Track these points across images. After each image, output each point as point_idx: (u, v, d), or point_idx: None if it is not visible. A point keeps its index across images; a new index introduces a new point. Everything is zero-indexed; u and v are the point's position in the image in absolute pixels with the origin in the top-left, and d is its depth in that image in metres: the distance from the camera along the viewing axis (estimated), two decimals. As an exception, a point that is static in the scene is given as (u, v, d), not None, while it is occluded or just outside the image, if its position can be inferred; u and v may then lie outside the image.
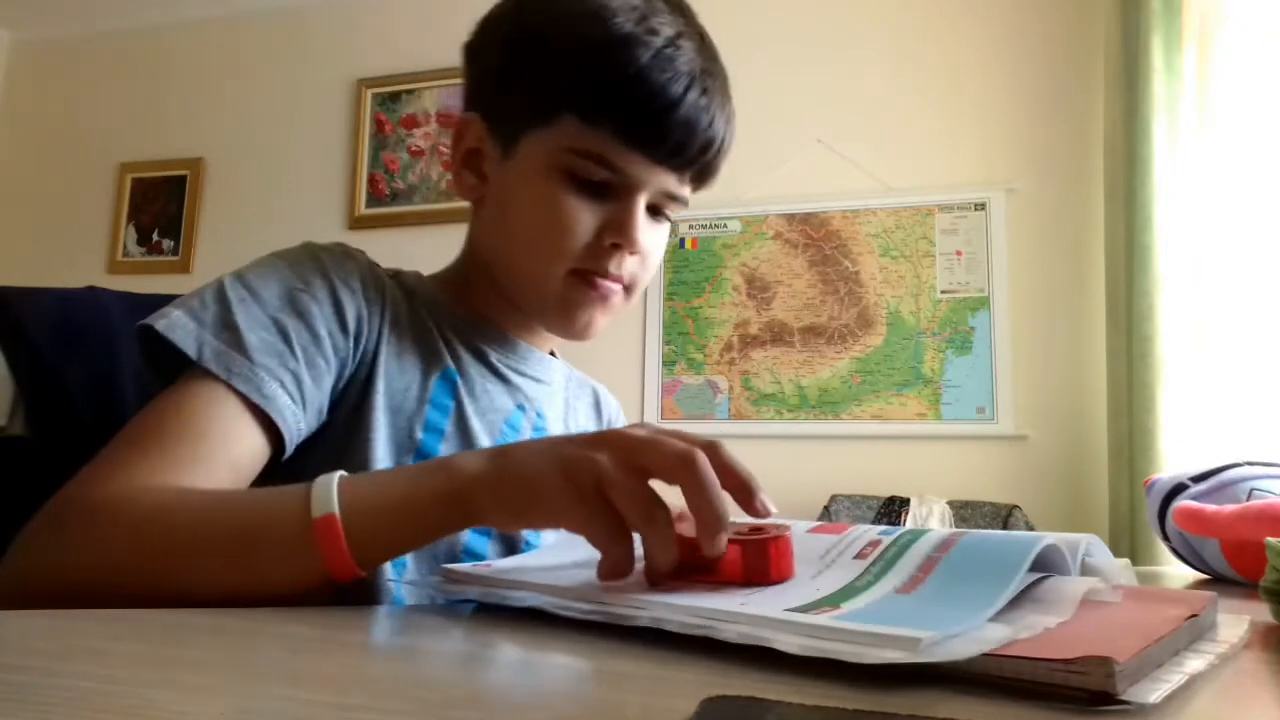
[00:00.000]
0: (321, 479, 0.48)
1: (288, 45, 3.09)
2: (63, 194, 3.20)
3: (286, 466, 0.62)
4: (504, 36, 0.67)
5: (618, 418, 0.89)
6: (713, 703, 0.25)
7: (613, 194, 0.64)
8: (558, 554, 0.53)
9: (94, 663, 0.32)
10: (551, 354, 0.80)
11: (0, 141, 3.31)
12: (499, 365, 0.71)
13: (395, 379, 0.65)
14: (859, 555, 0.43)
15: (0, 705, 0.24)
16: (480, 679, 0.34)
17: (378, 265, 0.70)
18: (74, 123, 3.25)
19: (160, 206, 3.10)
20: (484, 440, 0.68)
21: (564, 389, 0.81)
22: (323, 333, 0.61)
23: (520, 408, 0.72)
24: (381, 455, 0.62)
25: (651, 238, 0.68)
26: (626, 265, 0.66)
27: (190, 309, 0.58)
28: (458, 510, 0.47)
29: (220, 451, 0.54)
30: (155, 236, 3.09)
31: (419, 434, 0.65)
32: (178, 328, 0.56)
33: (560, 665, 0.36)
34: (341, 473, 0.49)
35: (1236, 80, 2.00)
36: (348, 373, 0.63)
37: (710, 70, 0.65)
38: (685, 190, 0.68)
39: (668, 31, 0.62)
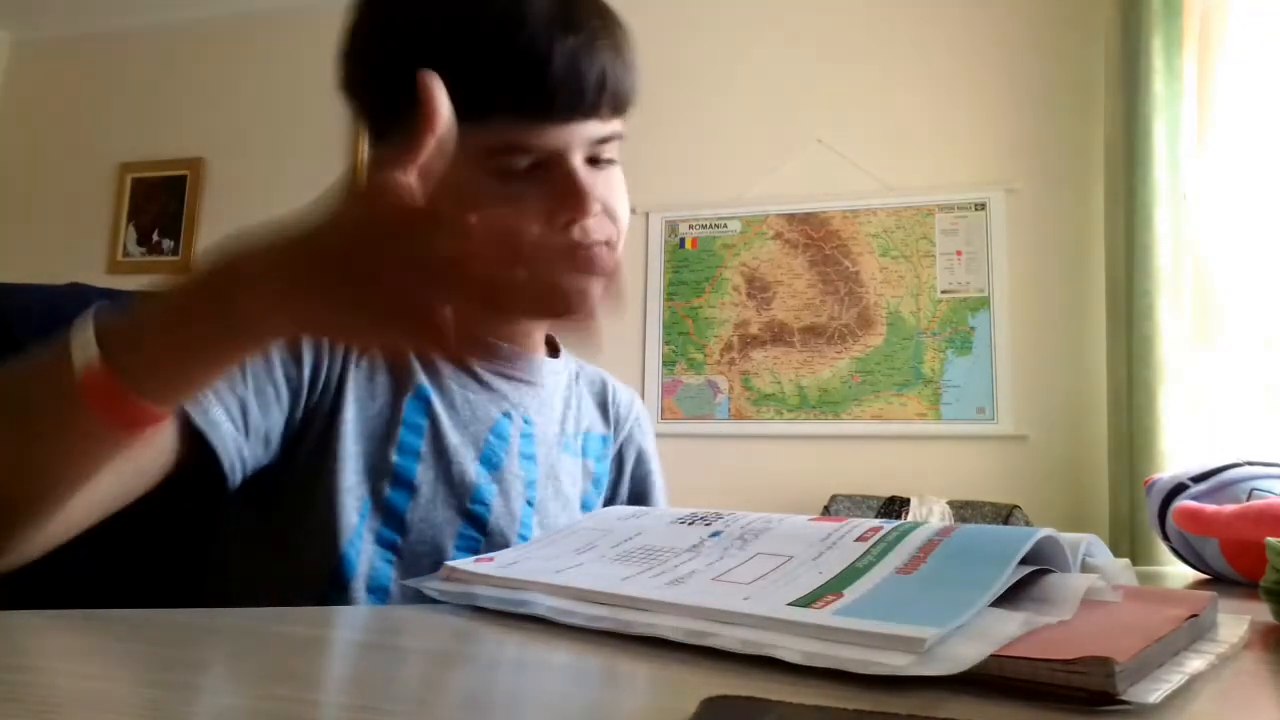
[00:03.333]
0: (78, 321, 0.42)
1: (288, 45, 3.09)
2: (63, 194, 3.20)
3: (253, 500, 0.61)
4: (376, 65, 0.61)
5: (628, 414, 0.84)
6: (713, 703, 0.25)
7: (545, 165, 0.60)
8: (561, 543, 0.53)
9: (94, 663, 0.32)
10: (554, 352, 0.78)
11: (0, 141, 3.31)
12: (481, 372, 0.69)
13: (367, 405, 0.64)
14: (860, 539, 0.43)
15: (0, 705, 0.24)
16: (480, 679, 0.34)
17: None
18: (74, 123, 3.25)
19: (160, 206, 3.09)
20: (465, 457, 0.66)
21: (564, 388, 0.78)
22: (275, 361, 0.60)
23: (506, 415, 0.70)
24: (352, 482, 0.62)
25: (604, 189, 0.63)
26: (592, 229, 0.62)
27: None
28: (225, 282, 0.41)
29: None
30: (155, 236, 3.09)
31: (393, 457, 0.64)
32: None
33: (560, 665, 0.36)
34: (102, 304, 0.44)
35: (1237, 80, 2.00)
36: (304, 404, 0.62)
37: (570, 1, 0.59)
38: (615, 125, 0.63)
39: None
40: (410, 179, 0.38)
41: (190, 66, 3.18)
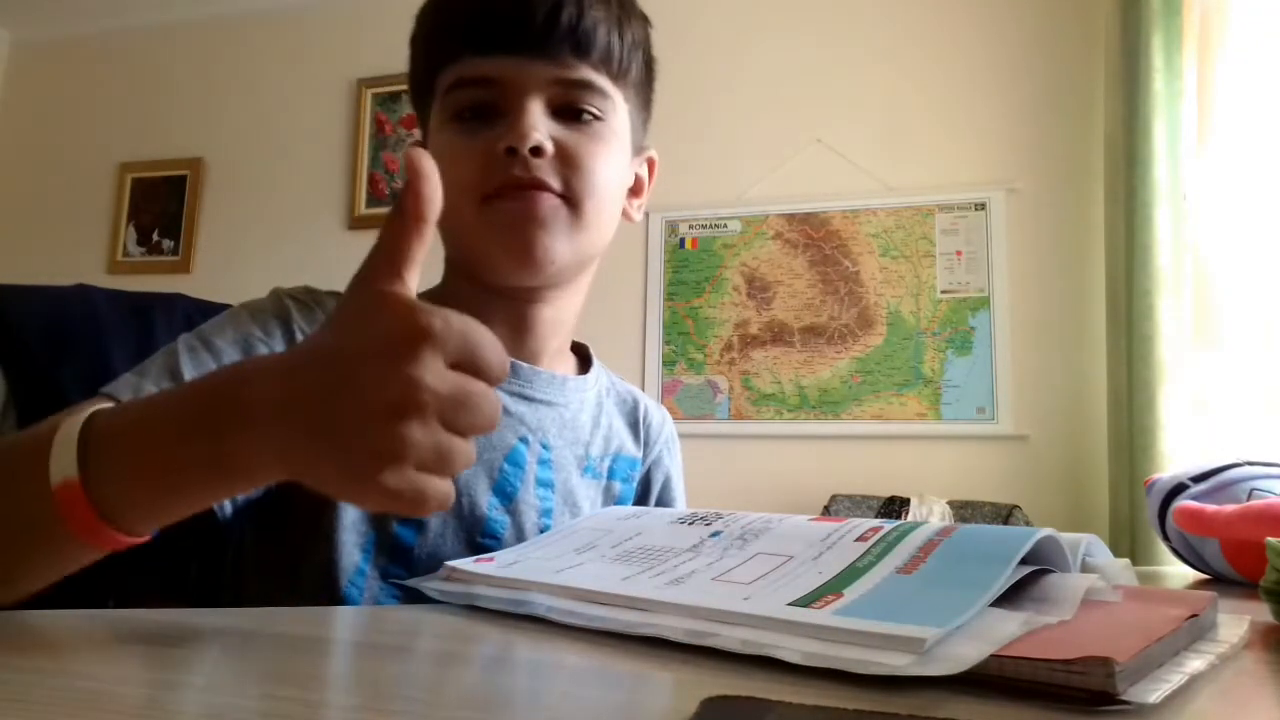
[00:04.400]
0: (69, 422, 0.39)
1: (288, 45, 3.09)
2: (63, 194, 3.20)
3: (267, 530, 0.61)
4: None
5: (659, 436, 0.81)
6: (713, 703, 0.25)
7: (503, 112, 0.61)
8: (561, 543, 0.53)
9: (94, 663, 0.32)
10: (586, 366, 0.76)
11: (0, 141, 3.31)
12: (498, 394, 0.67)
13: None
14: (860, 539, 0.43)
15: (0, 705, 0.24)
16: (480, 679, 0.34)
17: None
18: (74, 123, 3.25)
19: (160, 206, 3.09)
20: (477, 488, 0.63)
21: (593, 406, 0.74)
22: None
23: (523, 440, 0.67)
24: (353, 519, 0.60)
25: (574, 139, 0.62)
26: (544, 170, 0.60)
27: (137, 368, 0.54)
28: (224, 414, 0.37)
29: None
30: (155, 236, 3.09)
31: None
32: (119, 381, 0.52)
33: (560, 665, 0.36)
34: (101, 407, 0.41)
35: (1237, 79, 2.00)
36: None
37: None
38: (586, 72, 0.62)
39: None
40: (403, 291, 0.37)
41: (190, 66, 3.18)
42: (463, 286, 0.68)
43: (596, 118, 0.63)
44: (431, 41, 0.65)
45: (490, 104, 0.61)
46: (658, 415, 0.82)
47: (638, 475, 0.79)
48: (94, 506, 0.37)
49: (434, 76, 0.64)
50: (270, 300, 0.63)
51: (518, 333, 0.68)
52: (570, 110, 0.62)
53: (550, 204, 0.61)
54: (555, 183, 0.61)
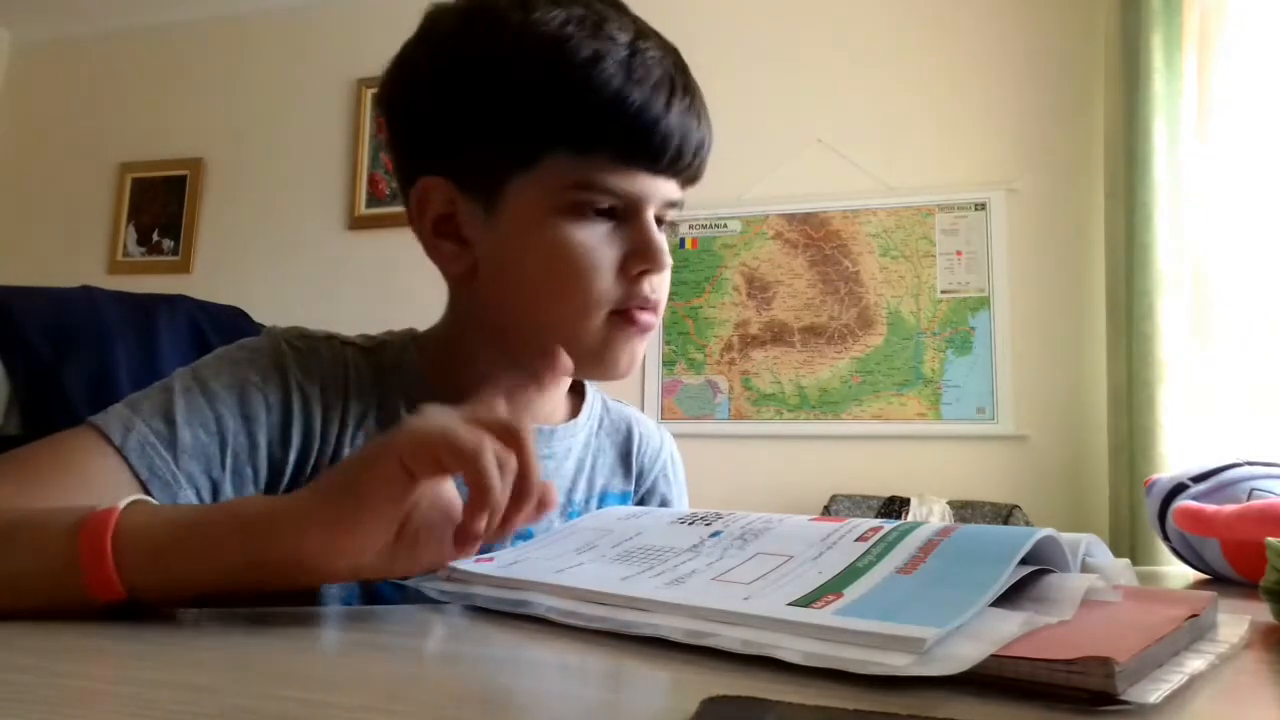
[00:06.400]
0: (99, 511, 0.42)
1: (288, 45, 3.09)
2: (63, 194, 3.20)
3: None
4: (445, 87, 0.60)
5: (654, 464, 0.79)
6: (713, 703, 0.25)
7: (620, 217, 0.61)
8: (561, 542, 0.53)
9: (94, 663, 0.32)
10: (579, 396, 0.74)
11: (0, 141, 3.31)
12: None
13: None
14: (860, 539, 0.43)
15: (0, 705, 0.24)
16: (480, 679, 0.34)
17: (350, 347, 0.65)
18: (74, 123, 3.25)
19: (160, 206, 3.09)
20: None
21: (581, 448, 0.73)
22: (262, 443, 0.58)
23: None
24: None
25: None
26: (657, 286, 0.65)
27: (131, 400, 0.55)
28: (263, 521, 0.42)
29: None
30: (155, 236, 3.09)
31: None
32: (110, 414, 0.53)
33: (561, 665, 0.36)
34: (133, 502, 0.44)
35: (1236, 79, 2.00)
36: (286, 485, 0.59)
37: (679, 65, 0.62)
38: (681, 194, 0.66)
39: (624, 37, 0.59)
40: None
41: (190, 66, 3.18)
42: (479, 345, 0.66)
43: (671, 224, 0.67)
44: (577, 127, 0.58)
45: (612, 208, 0.61)
46: (654, 442, 0.80)
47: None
48: (121, 589, 0.40)
49: (544, 147, 0.59)
50: (266, 342, 0.62)
51: (518, 401, 0.63)
52: (659, 219, 0.65)
53: (656, 322, 0.66)
54: (658, 299, 0.65)
